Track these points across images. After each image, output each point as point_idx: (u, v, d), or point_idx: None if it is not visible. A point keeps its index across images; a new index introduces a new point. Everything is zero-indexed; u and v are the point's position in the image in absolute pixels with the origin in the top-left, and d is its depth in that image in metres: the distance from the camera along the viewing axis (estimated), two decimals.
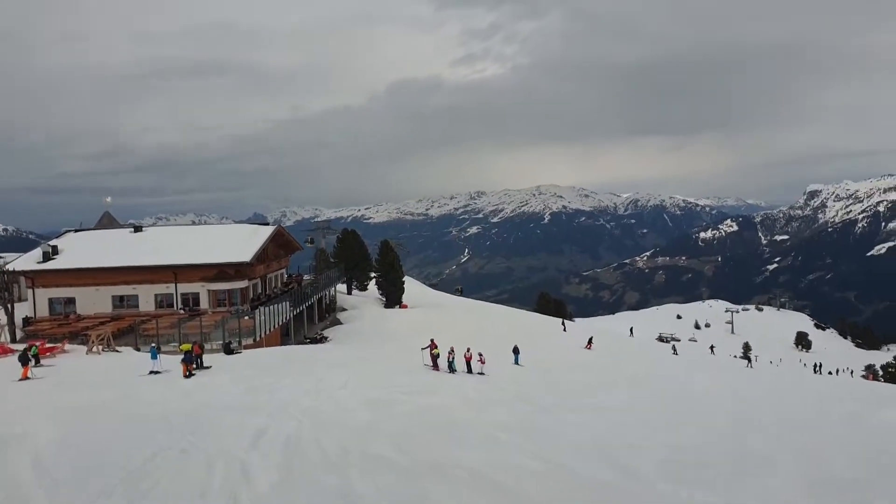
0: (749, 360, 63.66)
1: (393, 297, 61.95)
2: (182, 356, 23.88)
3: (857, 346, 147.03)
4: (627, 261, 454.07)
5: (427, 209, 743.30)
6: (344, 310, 56.29)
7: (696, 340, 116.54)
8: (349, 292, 65.29)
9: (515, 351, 35.80)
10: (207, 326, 33.30)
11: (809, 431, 25.70)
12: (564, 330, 59.90)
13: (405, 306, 61.89)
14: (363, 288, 66.82)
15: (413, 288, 72.18)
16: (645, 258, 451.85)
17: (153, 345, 26.94)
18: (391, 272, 62.41)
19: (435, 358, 29.39)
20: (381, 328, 45.10)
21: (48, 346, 29.83)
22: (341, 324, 50.13)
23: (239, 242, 41.58)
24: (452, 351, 29.33)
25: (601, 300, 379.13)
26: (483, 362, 30.18)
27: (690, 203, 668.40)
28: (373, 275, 65.21)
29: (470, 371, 29.72)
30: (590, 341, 50.04)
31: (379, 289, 63.18)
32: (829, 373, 73.97)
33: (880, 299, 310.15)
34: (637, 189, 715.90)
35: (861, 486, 16.28)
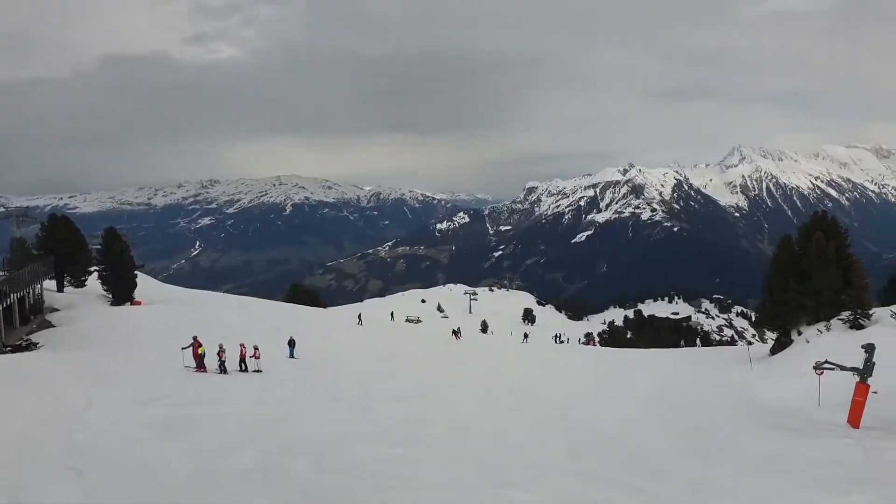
0: (525, 337, 68.64)
1: (122, 292, 51.91)
2: None
3: (569, 317, 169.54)
4: (370, 251, 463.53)
5: (150, 198, 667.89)
6: (56, 310, 45.31)
7: (447, 317, 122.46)
8: (60, 289, 53.24)
9: (291, 343, 31.29)
10: None
11: (613, 396, 26.27)
12: (360, 323, 56.99)
13: (138, 303, 52.44)
14: (80, 284, 55.07)
15: (142, 283, 62.18)
16: (387, 248, 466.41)
17: None
18: (119, 264, 52.26)
19: (201, 358, 23.61)
20: (112, 329, 36.48)
21: None
22: (53, 326, 39.92)
23: None
24: (222, 348, 23.85)
25: (345, 289, 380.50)
26: (258, 357, 25.32)
27: (428, 197, 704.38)
28: (94, 268, 54.08)
29: (244, 369, 24.61)
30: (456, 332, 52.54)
31: (103, 284, 52.53)
32: (561, 341, 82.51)
33: (580, 278, 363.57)
34: (379, 182, 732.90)
35: (708, 428, 16.24)
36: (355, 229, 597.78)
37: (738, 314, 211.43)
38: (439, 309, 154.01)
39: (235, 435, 12.69)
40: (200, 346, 23.62)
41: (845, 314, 33.01)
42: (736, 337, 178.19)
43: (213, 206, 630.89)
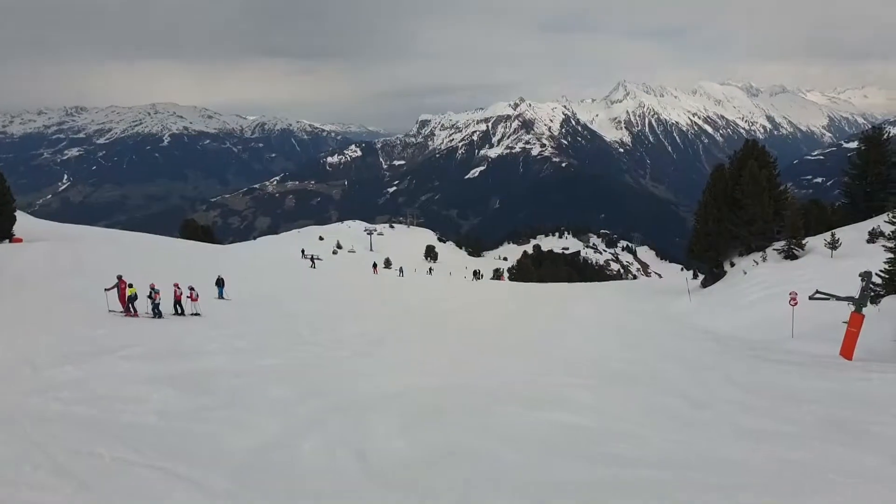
0: (475, 275, 69.23)
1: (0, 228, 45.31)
2: None
3: (469, 254, 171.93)
4: (257, 186, 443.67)
5: (4, 126, 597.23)
6: None
7: (354, 251, 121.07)
8: None
9: (219, 283, 28.06)
10: None
11: (587, 329, 25.43)
12: (313, 266, 54.40)
13: (18, 240, 46.01)
14: None
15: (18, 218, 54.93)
16: (275, 183, 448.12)
17: None
18: None
19: (130, 300, 20.19)
20: None
21: None
22: None
23: None
24: (154, 289, 20.48)
25: (231, 227, 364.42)
26: (195, 299, 22.25)
27: (317, 128, 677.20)
28: None
29: (180, 312, 21.50)
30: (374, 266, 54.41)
31: None
32: (478, 277, 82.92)
33: (475, 214, 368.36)
34: (264, 112, 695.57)
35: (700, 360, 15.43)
36: (240, 162, 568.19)
37: (623, 248, 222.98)
38: (339, 246, 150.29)
39: (302, 400, 10.27)
40: (130, 286, 20.13)
41: (779, 244, 33.91)
42: (622, 271, 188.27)
43: (82, 135, 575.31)
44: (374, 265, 68.17)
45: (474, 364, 15.77)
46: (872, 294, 17.85)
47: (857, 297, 17.58)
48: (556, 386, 12.64)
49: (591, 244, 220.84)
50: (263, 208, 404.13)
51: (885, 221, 22.16)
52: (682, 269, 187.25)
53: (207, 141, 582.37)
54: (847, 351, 17.53)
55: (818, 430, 9.29)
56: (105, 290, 20.68)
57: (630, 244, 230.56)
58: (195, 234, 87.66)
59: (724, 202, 37.26)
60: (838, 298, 18.15)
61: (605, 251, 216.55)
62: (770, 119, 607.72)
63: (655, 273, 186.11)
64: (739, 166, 37.46)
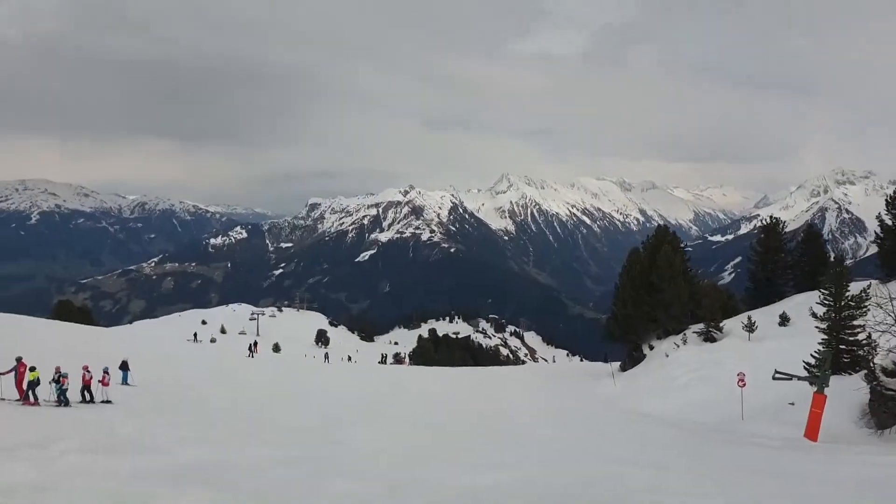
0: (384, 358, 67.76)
1: None
2: None
3: (362, 338, 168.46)
4: (133, 267, 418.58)
5: None
6: None
7: (245, 333, 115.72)
8: None
9: (124, 367, 24.79)
10: None
11: (529, 415, 24.26)
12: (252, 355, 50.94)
13: None
14: None
15: None
16: (153, 264, 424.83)
17: None
18: None
19: (32, 386, 16.96)
20: None
21: None
22: None
23: None
24: (61, 373, 17.36)
25: (102, 310, 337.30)
26: (106, 384, 19.28)
27: (201, 209, 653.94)
28: None
29: (89, 399, 18.45)
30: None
31: None
32: (384, 362, 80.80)
33: (364, 298, 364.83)
34: (145, 192, 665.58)
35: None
36: (116, 243, 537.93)
37: (511, 333, 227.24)
38: (222, 331, 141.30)
39: (388, 495, 8.30)
40: (33, 370, 16.86)
41: (697, 327, 35.01)
42: (511, 356, 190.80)
43: None
44: (255, 344, 66.80)
45: (494, 455, 14.28)
46: (827, 375, 18.10)
47: (818, 376, 17.80)
48: (612, 477, 11.29)
49: (480, 329, 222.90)
50: (139, 291, 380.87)
51: (817, 303, 23.19)
52: (567, 355, 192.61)
53: (82, 220, 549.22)
54: (812, 432, 17.37)
55: None
56: (0, 374, 17.22)
57: (518, 329, 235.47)
58: (71, 315, 79.91)
59: (641, 286, 38.36)
60: (799, 378, 18.35)
61: (495, 336, 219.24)
62: (642, 212, 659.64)
63: (542, 358, 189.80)
64: (653, 251, 38.95)
